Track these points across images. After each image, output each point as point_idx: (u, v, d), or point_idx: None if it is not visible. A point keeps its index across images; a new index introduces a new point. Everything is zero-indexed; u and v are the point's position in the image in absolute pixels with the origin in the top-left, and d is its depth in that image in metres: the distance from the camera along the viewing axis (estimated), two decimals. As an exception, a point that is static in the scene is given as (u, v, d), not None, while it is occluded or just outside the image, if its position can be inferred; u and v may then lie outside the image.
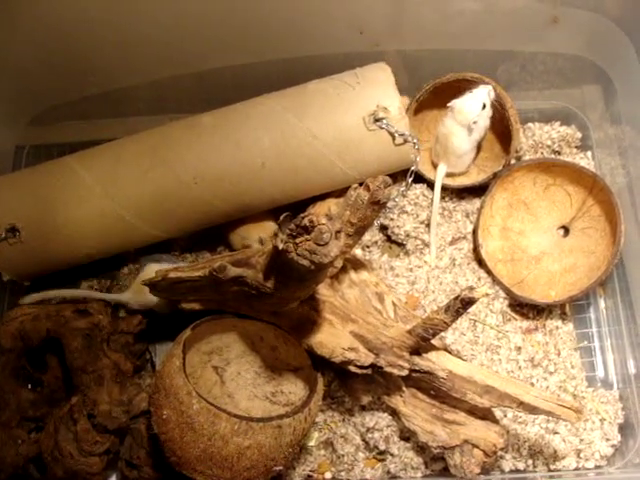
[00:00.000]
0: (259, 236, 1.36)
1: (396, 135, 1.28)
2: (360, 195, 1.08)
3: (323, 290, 1.20)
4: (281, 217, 1.35)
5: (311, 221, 0.92)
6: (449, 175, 1.43)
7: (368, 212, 1.09)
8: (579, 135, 1.48)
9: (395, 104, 1.28)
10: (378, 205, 1.08)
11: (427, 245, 1.42)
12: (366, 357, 1.13)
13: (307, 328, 1.18)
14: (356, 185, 1.09)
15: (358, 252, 1.42)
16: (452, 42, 1.39)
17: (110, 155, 1.32)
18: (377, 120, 1.27)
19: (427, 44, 1.40)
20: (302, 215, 0.93)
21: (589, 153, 1.48)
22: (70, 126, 1.55)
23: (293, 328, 1.20)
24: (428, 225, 1.42)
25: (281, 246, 0.95)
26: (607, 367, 1.38)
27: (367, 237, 1.43)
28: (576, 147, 1.49)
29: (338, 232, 0.95)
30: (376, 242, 1.44)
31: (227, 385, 1.29)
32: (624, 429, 1.32)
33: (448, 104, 1.38)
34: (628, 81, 1.34)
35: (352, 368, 1.14)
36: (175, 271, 1.17)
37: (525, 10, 1.32)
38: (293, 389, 1.28)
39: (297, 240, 0.93)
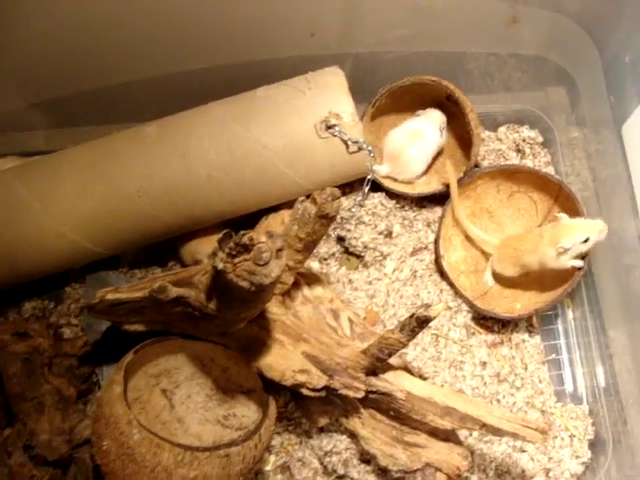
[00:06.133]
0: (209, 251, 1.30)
1: (349, 143, 1.23)
2: (307, 209, 1.02)
3: (274, 308, 1.14)
4: (220, 234, 1.28)
5: (251, 239, 0.87)
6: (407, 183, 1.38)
7: (317, 226, 1.04)
8: (542, 139, 1.43)
9: (348, 110, 1.23)
10: (327, 219, 1.02)
11: (386, 257, 1.36)
12: (319, 379, 1.07)
13: (256, 349, 1.11)
14: (302, 198, 1.04)
15: (315, 265, 1.36)
16: (408, 44, 1.34)
17: (49, 169, 1.26)
18: (329, 127, 1.22)
19: (382, 46, 1.34)
20: (242, 233, 0.88)
21: (554, 158, 1.43)
22: (12, 137, 1.48)
23: (242, 349, 1.14)
24: (387, 236, 1.36)
25: (220, 266, 0.89)
26: (576, 381, 1.34)
27: (324, 249, 1.37)
28: (540, 152, 1.43)
29: (280, 250, 0.89)
30: (334, 254, 1.38)
31: (177, 409, 1.23)
32: (595, 445, 1.27)
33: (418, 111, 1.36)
34: (591, 82, 1.29)
35: (304, 391, 1.08)
36: (113, 292, 1.10)
37: (483, 9, 1.27)
38: (246, 412, 1.22)
39: (235, 260, 0.88)
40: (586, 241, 1.21)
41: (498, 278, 1.34)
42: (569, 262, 1.23)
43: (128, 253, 1.39)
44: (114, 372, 1.11)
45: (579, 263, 1.23)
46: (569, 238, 1.21)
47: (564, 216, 1.25)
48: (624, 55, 1.21)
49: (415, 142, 1.33)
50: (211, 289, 0.99)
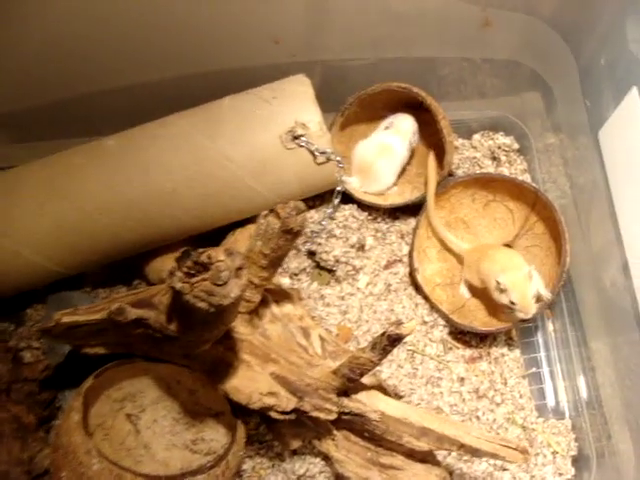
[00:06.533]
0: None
1: (317, 153, 1.18)
2: (270, 223, 0.97)
3: (240, 328, 1.09)
4: (179, 252, 1.23)
5: (209, 257, 0.83)
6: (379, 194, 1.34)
7: (281, 242, 0.99)
8: (518, 146, 1.39)
9: (315, 119, 1.18)
10: (291, 234, 0.98)
11: (358, 270, 1.31)
12: (287, 402, 1.02)
13: (222, 371, 1.06)
14: (266, 212, 0.99)
15: (286, 281, 1.31)
16: (377, 50, 1.29)
17: (4, 186, 1.20)
18: (295, 137, 1.17)
19: (350, 53, 1.30)
20: (200, 250, 0.84)
21: (530, 165, 1.39)
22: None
23: (207, 372, 1.08)
24: (360, 249, 1.32)
25: (177, 286, 0.84)
26: (558, 394, 1.30)
27: (295, 264, 1.31)
28: (516, 159, 1.39)
29: (239, 269, 0.84)
30: (304, 269, 1.33)
31: (142, 434, 1.17)
32: (578, 461, 1.24)
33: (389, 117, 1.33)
34: (566, 87, 1.25)
35: (273, 414, 1.03)
36: (70, 315, 1.05)
37: (453, 13, 1.23)
38: (215, 436, 1.17)
39: (193, 280, 0.83)
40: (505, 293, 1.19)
41: (475, 291, 1.30)
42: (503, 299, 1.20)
43: (91, 272, 1.33)
44: (72, 399, 1.06)
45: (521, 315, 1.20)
46: (507, 278, 1.18)
47: (535, 274, 1.20)
48: (599, 59, 1.17)
49: (384, 156, 1.29)
50: (171, 310, 0.94)
